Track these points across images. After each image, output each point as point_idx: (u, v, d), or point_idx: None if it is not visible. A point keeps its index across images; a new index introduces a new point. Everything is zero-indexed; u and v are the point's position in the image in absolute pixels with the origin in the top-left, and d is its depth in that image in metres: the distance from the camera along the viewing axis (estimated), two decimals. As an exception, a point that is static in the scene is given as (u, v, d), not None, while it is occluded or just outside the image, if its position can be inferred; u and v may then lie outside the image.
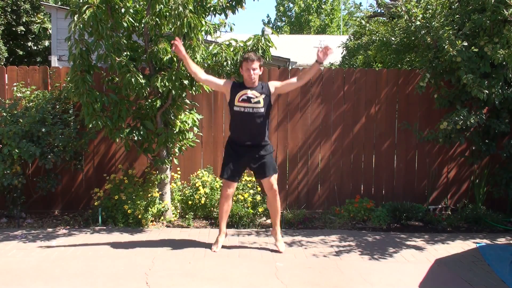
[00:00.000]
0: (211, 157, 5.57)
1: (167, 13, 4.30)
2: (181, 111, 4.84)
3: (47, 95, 5.10)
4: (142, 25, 4.63)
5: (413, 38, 5.54)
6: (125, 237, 4.57)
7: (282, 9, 33.36)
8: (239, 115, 4.01)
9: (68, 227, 4.93)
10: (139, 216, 4.80)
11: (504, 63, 4.65)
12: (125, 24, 4.44)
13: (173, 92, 4.52)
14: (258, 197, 5.20)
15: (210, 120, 5.60)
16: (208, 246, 4.31)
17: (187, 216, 5.06)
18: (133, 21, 4.52)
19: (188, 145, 5.00)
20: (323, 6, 32.03)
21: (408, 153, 5.73)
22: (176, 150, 5.02)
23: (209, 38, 4.92)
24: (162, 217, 5.04)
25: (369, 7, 10.76)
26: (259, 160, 4.07)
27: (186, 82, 4.55)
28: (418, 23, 5.03)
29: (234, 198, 5.21)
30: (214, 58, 4.69)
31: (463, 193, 5.73)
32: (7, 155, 4.62)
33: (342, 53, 9.33)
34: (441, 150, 5.69)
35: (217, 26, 4.92)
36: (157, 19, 4.34)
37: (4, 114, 4.84)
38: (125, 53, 4.53)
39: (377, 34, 7.25)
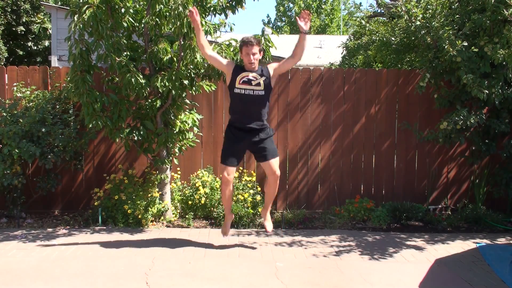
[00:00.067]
0: (211, 157, 5.57)
1: (167, 13, 4.31)
2: (181, 111, 4.84)
3: (47, 95, 5.10)
4: (142, 25, 4.63)
5: (413, 38, 5.54)
6: (125, 237, 4.57)
7: (282, 9, 33.36)
8: (239, 97, 3.98)
9: (68, 227, 4.93)
10: (139, 216, 4.80)
11: (504, 63, 4.65)
12: (125, 24, 4.44)
13: (173, 92, 4.52)
14: (258, 197, 5.20)
15: (210, 120, 5.60)
16: (208, 246, 4.32)
17: (187, 216, 5.06)
18: (133, 21, 4.52)
19: (188, 145, 5.00)
20: (323, 6, 32.03)
21: (408, 153, 5.73)
22: (176, 150, 5.02)
23: (209, 38, 4.91)
24: (162, 217, 5.04)
25: (369, 7, 10.76)
26: (259, 143, 4.03)
27: (186, 82, 4.55)
28: (418, 23, 5.03)
29: (234, 198, 5.21)
30: (214, 58, 4.69)
31: (463, 193, 5.73)
32: (7, 155, 4.62)
33: (342, 53, 9.33)
34: (441, 150, 5.70)
35: (217, 26, 4.92)
36: (157, 19, 4.34)
37: (4, 114, 4.84)
38: (125, 53, 4.53)
39: (377, 34, 7.25)
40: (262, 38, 4.57)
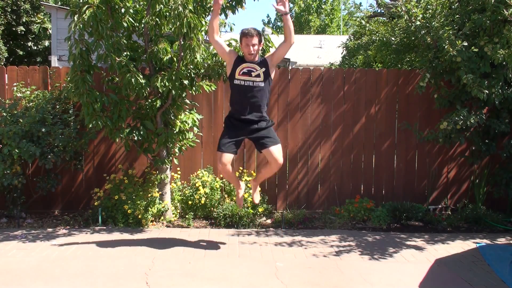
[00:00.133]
0: (211, 157, 5.57)
1: (167, 13, 4.31)
2: (181, 111, 4.84)
3: (47, 95, 5.10)
4: (142, 25, 4.63)
5: (413, 38, 5.54)
6: (125, 237, 4.57)
7: (282, 9, 33.30)
8: (239, 88, 3.97)
9: (68, 227, 4.93)
10: (139, 216, 4.80)
11: (504, 63, 4.65)
12: (125, 24, 4.44)
13: (173, 92, 4.52)
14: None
15: (210, 120, 5.60)
16: (208, 246, 4.32)
17: (187, 216, 5.06)
18: (133, 21, 4.52)
19: (188, 145, 5.00)
20: (323, 6, 32.07)
21: (408, 153, 5.73)
22: (176, 150, 5.02)
23: (209, 38, 4.93)
24: (162, 217, 5.04)
25: (369, 7, 10.76)
26: (260, 130, 4.00)
27: (186, 82, 4.55)
28: (418, 23, 5.03)
29: (234, 198, 5.21)
30: (214, 58, 4.69)
31: (463, 193, 5.73)
32: (7, 155, 4.62)
33: (342, 53, 9.34)
34: (441, 150, 5.69)
35: (217, 26, 4.91)
36: (157, 19, 4.34)
37: (4, 114, 4.84)
38: (125, 53, 4.53)
39: (377, 34, 7.25)
40: (262, 38, 4.57)
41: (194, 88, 4.77)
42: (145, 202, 4.82)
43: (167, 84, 4.44)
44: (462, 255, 4.18)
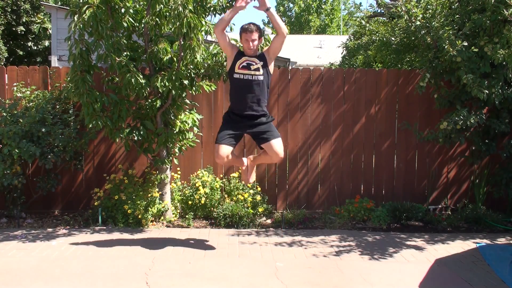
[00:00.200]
0: (211, 157, 5.57)
1: (167, 13, 4.31)
2: (181, 111, 4.84)
3: (47, 95, 5.10)
4: (142, 25, 4.63)
5: (413, 38, 5.54)
6: (125, 237, 4.58)
7: (282, 9, 33.38)
8: (238, 82, 3.97)
9: (68, 227, 4.93)
10: (139, 216, 4.80)
11: (504, 63, 4.65)
12: (125, 24, 4.44)
13: (173, 92, 4.52)
14: (258, 197, 5.21)
15: (210, 120, 5.60)
16: (208, 246, 4.32)
17: (187, 216, 5.06)
18: (133, 21, 4.52)
19: (188, 145, 5.00)
20: (323, 6, 32.06)
21: (408, 153, 5.73)
22: (176, 150, 5.02)
23: (209, 38, 4.92)
24: (162, 217, 5.04)
25: (369, 7, 10.77)
26: (260, 125, 4.00)
27: (186, 82, 4.55)
28: (418, 23, 5.03)
29: (234, 198, 5.21)
30: (214, 58, 4.69)
31: (463, 193, 5.73)
32: (7, 155, 4.62)
33: (342, 53, 9.34)
34: (441, 150, 5.69)
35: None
36: (157, 19, 4.34)
37: (4, 114, 4.84)
38: (125, 53, 4.53)
39: (377, 34, 7.25)
40: (262, 38, 4.57)
41: (194, 88, 4.77)
42: (145, 202, 4.82)
43: (167, 84, 4.44)
44: (462, 255, 4.18)
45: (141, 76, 4.41)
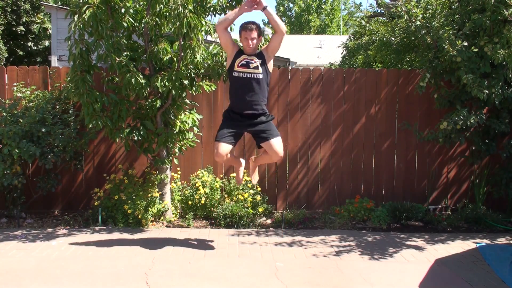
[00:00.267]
0: (211, 157, 5.57)
1: (167, 13, 4.31)
2: (181, 111, 4.84)
3: (47, 95, 5.10)
4: (142, 25, 4.63)
5: (413, 38, 5.54)
6: (125, 237, 4.57)
7: (282, 9, 33.38)
8: (238, 80, 3.97)
9: (68, 227, 4.93)
10: (139, 216, 4.80)
11: (504, 63, 4.65)
12: (125, 24, 4.44)
13: (173, 92, 4.52)
14: (258, 197, 5.21)
15: (210, 120, 5.60)
16: (208, 246, 4.32)
17: (187, 216, 5.06)
18: (133, 21, 4.52)
19: (188, 145, 5.00)
20: (323, 6, 32.06)
21: (408, 153, 5.73)
22: (176, 150, 5.02)
23: (209, 38, 4.92)
24: (162, 217, 5.04)
25: (369, 7, 10.76)
26: (260, 124, 4.01)
27: (186, 82, 4.55)
28: (418, 23, 5.03)
29: (234, 198, 5.21)
30: (214, 58, 4.69)
31: (463, 193, 5.73)
32: (7, 155, 4.62)
33: (342, 53, 9.34)
34: (441, 150, 5.69)
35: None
36: (157, 19, 4.34)
37: (4, 114, 4.84)
38: (125, 53, 4.53)
39: (377, 34, 7.25)
40: (262, 38, 4.57)
41: (194, 88, 4.77)
42: (145, 202, 4.82)
43: (167, 84, 4.44)
44: (462, 255, 4.18)
45: (141, 76, 4.41)
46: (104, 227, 4.87)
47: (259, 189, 5.33)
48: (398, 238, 4.68)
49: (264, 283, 3.49)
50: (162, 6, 4.24)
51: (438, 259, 4.06)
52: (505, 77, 4.79)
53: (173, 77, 4.44)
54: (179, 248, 4.23)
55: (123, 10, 4.37)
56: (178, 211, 5.26)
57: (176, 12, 4.10)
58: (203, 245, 4.35)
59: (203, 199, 5.10)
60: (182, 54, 4.39)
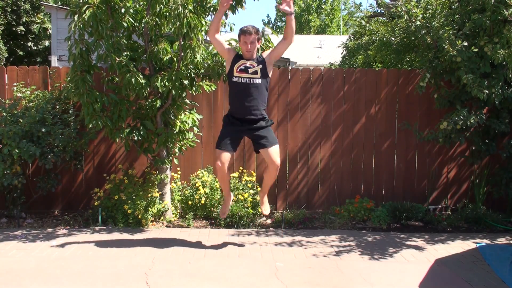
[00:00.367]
0: (211, 157, 5.57)
1: (167, 13, 4.31)
2: (181, 111, 4.84)
3: (47, 95, 5.10)
4: (142, 25, 4.63)
5: (413, 38, 5.54)
6: (125, 237, 4.57)
7: (282, 9, 33.32)
8: (237, 86, 3.98)
9: (68, 227, 4.93)
10: (139, 216, 4.80)
11: (504, 63, 4.65)
12: (125, 24, 4.44)
13: (173, 92, 4.52)
14: (258, 197, 5.20)
15: (210, 120, 5.60)
16: (208, 246, 4.32)
17: (187, 216, 5.06)
18: (133, 21, 4.52)
19: (188, 145, 5.00)
20: (323, 6, 32.06)
21: (408, 153, 5.73)
22: (176, 150, 5.02)
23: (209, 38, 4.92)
24: (162, 217, 5.04)
25: (369, 7, 10.77)
26: (258, 130, 4.01)
27: (186, 82, 4.55)
28: (418, 23, 5.03)
29: (234, 198, 5.21)
30: (214, 58, 4.70)
31: (463, 193, 5.73)
32: (7, 155, 4.62)
33: (342, 53, 9.34)
34: (441, 150, 5.69)
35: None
36: (157, 19, 4.34)
37: (4, 114, 4.84)
38: (125, 53, 4.53)
39: (377, 34, 7.26)
40: (262, 38, 4.57)
41: (194, 88, 4.77)
42: (145, 202, 4.82)
43: (167, 84, 4.44)
44: (462, 255, 4.18)
45: (141, 76, 4.41)
46: (104, 227, 4.87)
47: (259, 189, 5.33)
48: (398, 238, 4.68)
49: (264, 283, 3.49)
50: (162, 6, 4.25)
51: (438, 259, 4.06)
52: (505, 77, 4.79)
53: (173, 77, 4.44)
54: (179, 248, 4.23)
55: (123, 10, 4.37)
56: (178, 211, 5.26)
57: (176, 12, 4.10)
58: (203, 245, 4.35)
59: (203, 199, 5.10)
60: (182, 54, 4.40)
